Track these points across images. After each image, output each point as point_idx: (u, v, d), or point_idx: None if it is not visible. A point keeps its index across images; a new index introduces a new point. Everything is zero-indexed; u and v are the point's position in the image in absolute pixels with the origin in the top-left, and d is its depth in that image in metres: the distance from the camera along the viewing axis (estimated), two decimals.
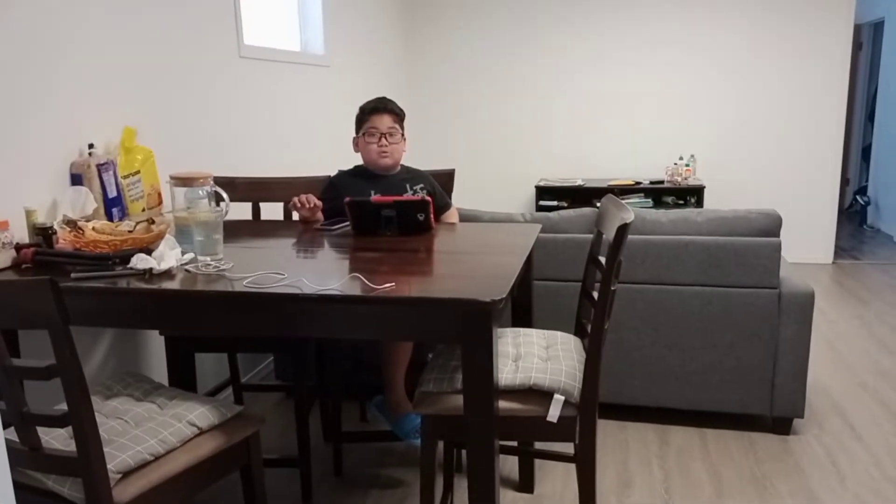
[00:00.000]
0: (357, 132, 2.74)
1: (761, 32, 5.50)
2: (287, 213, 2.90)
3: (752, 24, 5.50)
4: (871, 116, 7.66)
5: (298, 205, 2.56)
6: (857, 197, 7.56)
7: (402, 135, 2.74)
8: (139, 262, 1.85)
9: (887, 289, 4.99)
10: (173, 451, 1.59)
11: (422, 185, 2.77)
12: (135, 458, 1.51)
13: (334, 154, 4.41)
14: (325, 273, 1.82)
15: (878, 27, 7.53)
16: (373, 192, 2.65)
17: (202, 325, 1.79)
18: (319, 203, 2.58)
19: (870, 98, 7.73)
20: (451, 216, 2.84)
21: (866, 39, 7.80)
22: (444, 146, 6.21)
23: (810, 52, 5.45)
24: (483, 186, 6.19)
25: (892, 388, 3.31)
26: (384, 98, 2.75)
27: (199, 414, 1.68)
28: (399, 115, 2.73)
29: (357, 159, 2.80)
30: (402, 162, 2.80)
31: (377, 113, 2.69)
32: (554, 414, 1.76)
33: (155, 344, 2.82)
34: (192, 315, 1.75)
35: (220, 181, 2.89)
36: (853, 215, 7.69)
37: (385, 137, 2.67)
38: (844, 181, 7.67)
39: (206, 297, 1.71)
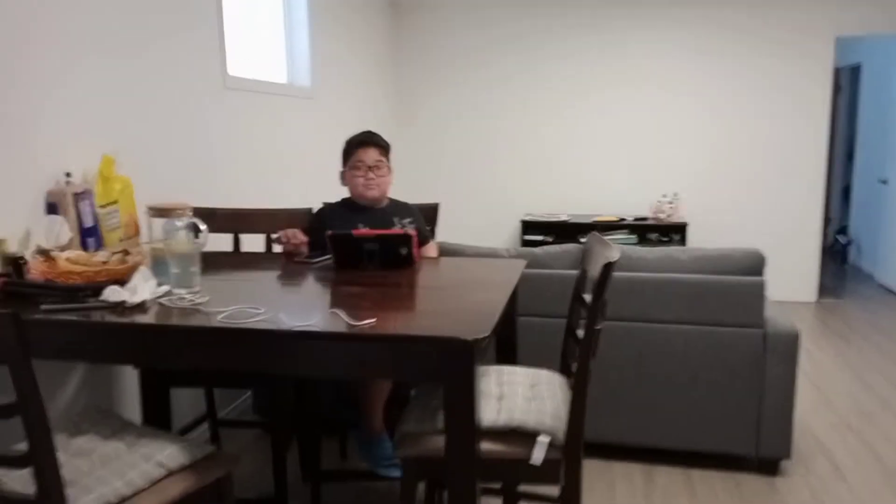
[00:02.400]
0: (344, 165, 2.75)
1: (746, 74, 5.58)
2: (269, 245, 2.85)
3: (737, 67, 5.58)
4: (850, 156, 7.77)
5: (284, 239, 2.53)
6: (838, 236, 7.62)
7: (389, 167, 2.74)
8: (111, 294, 1.80)
9: (869, 327, 5.00)
10: (140, 493, 1.52)
11: (409, 220, 2.76)
12: (99, 500, 1.44)
13: (319, 186, 4.37)
14: (304, 308, 1.77)
15: (854, 71, 7.69)
16: (360, 225, 2.63)
17: (175, 360, 1.73)
18: (305, 239, 2.55)
19: (849, 139, 7.85)
20: (430, 250, 2.81)
21: (845, 83, 7.95)
22: (429, 179, 6.20)
23: (792, 94, 5.53)
24: (468, 220, 6.18)
25: (876, 429, 3.29)
26: (370, 132, 2.78)
27: (168, 454, 1.61)
28: (385, 148, 2.75)
29: (343, 192, 2.79)
30: (388, 195, 2.79)
31: (363, 146, 2.71)
32: (538, 457, 1.70)
33: (129, 378, 2.74)
34: (165, 350, 1.70)
35: (200, 212, 2.83)
36: (835, 254, 7.75)
37: (372, 170, 2.68)
38: (826, 220, 7.74)
39: (179, 332, 1.65)
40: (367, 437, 2.58)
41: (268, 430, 3.17)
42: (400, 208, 2.80)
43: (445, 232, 5.12)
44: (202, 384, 2.64)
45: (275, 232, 2.62)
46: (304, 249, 2.57)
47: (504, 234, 6.19)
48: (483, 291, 1.95)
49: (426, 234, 2.83)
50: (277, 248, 2.66)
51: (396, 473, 2.47)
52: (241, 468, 2.90)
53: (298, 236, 2.53)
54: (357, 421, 2.62)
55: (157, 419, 2.38)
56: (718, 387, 2.76)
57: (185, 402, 3.08)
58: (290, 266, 2.37)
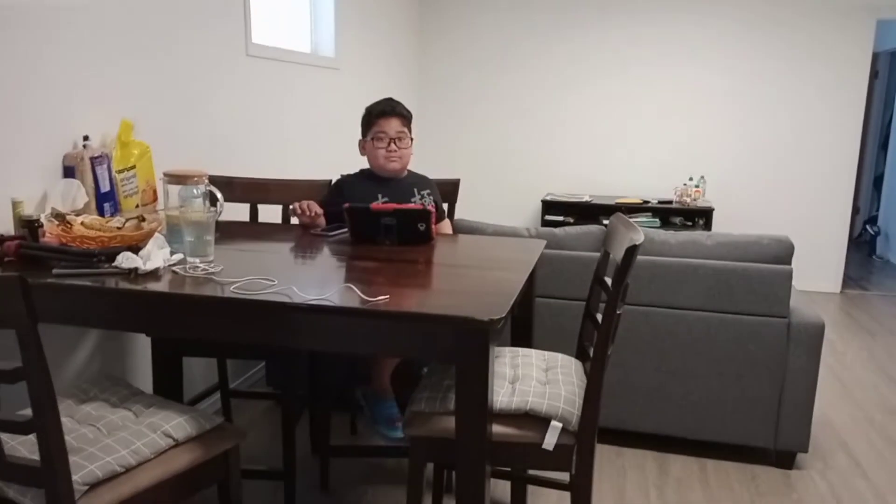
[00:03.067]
0: (364, 135, 2.67)
1: (780, 56, 5.42)
2: (286, 217, 2.82)
3: (771, 48, 5.43)
4: (884, 146, 7.57)
5: (299, 211, 2.49)
6: (867, 226, 7.46)
7: (411, 138, 2.67)
8: (124, 260, 1.78)
9: (895, 321, 4.89)
10: (146, 463, 1.51)
11: (428, 192, 2.71)
12: (104, 469, 1.42)
13: (339, 158, 4.34)
14: (317, 281, 1.73)
15: (894, 56, 7.45)
16: (380, 196, 2.58)
17: (186, 330, 1.70)
18: (320, 211, 2.50)
19: (884, 127, 7.64)
20: (445, 227, 2.76)
21: (883, 68, 7.72)
22: (450, 154, 6.14)
23: (827, 78, 5.37)
24: (488, 198, 6.11)
25: None
26: (392, 100, 2.66)
27: (175, 424, 1.59)
28: (407, 118, 2.66)
29: (363, 162, 2.73)
30: (409, 166, 2.73)
31: (385, 116, 2.61)
32: (550, 441, 1.67)
33: (142, 346, 2.74)
34: (175, 319, 1.68)
35: (217, 181, 2.82)
36: (862, 245, 7.59)
37: (394, 142, 2.60)
38: (855, 210, 7.57)
39: (190, 301, 1.63)
40: (374, 394, 2.56)
41: (279, 403, 3.18)
42: (420, 180, 2.74)
43: (466, 209, 5.07)
44: (215, 354, 2.62)
45: (292, 203, 2.58)
46: (321, 221, 2.53)
47: (525, 214, 6.11)
48: (501, 271, 1.90)
49: (442, 210, 2.78)
50: (294, 220, 2.63)
51: (398, 434, 2.45)
52: (251, 440, 2.90)
53: (313, 208, 2.48)
54: (366, 378, 2.60)
55: (168, 388, 2.37)
56: (738, 377, 2.70)
57: (198, 371, 3.08)
58: (306, 238, 2.34)
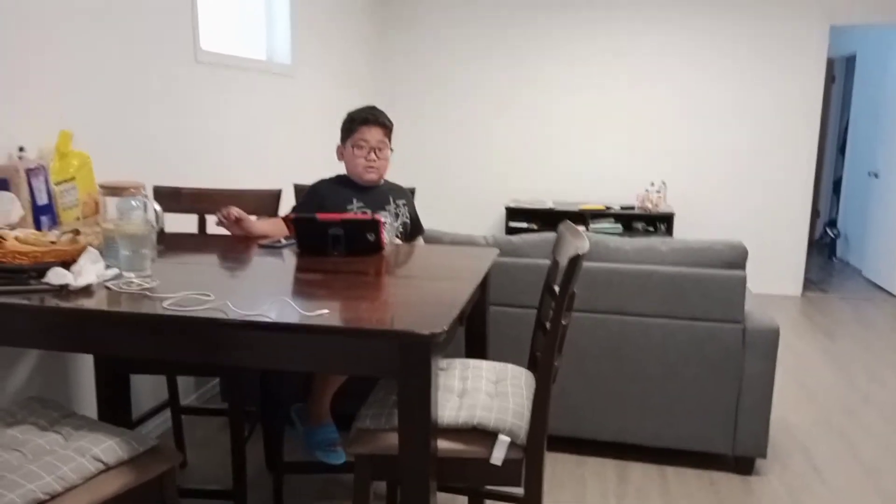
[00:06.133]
0: (343, 140, 2.63)
1: (736, 62, 5.48)
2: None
3: (728, 54, 5.48)
4: (842, 149, 7.70)
5: (222, 219, 2.42)
6: (827, 229, 7.57)
7: (391, 148, 2.65)
8: (55, 276, 1.70)
9: (855, 323, 4.95)
10: (73, 490, 1.43)
11: (404, 202, 2.68)
12: (25, 497, 1.35)
13: (293, 167, 4.27)
14: (257, 295, 1.68)
15: (850, 61, 7.60)
16: (355, 201, 2.57)
17: (120, 348, 1.63)
18: (243, 215, 2.43)
19: (841, 131, 7.78)
20: (418, 241, 2.74)
21: (839, 73, 7.87)
22: (412, 161, 6.10)
23: (784, 84, 5.44)
24: (451, 205, 6.09)
25: (858, 427, 3.23)
26: (375, 108, 2.64)
27: (105, 447, 1.52)
28: (389, 128, 2.64)
29: (320, 170, 2.68)
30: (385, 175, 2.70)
31: (367, 125, 2.58)
32: (498, 456, 1.62)
33: (87, 365, 2.64)
34: (110, 337, 1.60)
35: (164, 191, 2.75)
36: (823, 247, 7.70)
37: (374, 152, 2.58)
38: (815, 213, 7.69)
39: (122, 318, 1.56)
40: (312, 421, 2.47)
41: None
42: (396, 190, 2.72)
43: (429, 217, 5.03)
44: (163, 371, 2.55)
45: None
46: (248, 226, 2.44)
47: (489, 221, 6.10)
48: (449, 280, 1.86)
49: (418, 223, 2.75)
50: (218, 230, 2.53)
51: (339, 459, 2.38)
52: (204, 458, 2.82)
53: (234, 213, 2.41)
54: (302, 398, 2.52)
55: (113, 408, 2.28)
56: (696, 382, 2.69)
57: (148, 388, 2.99)
58: (252, 250, 2.27)
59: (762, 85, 5.47)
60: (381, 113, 2.64)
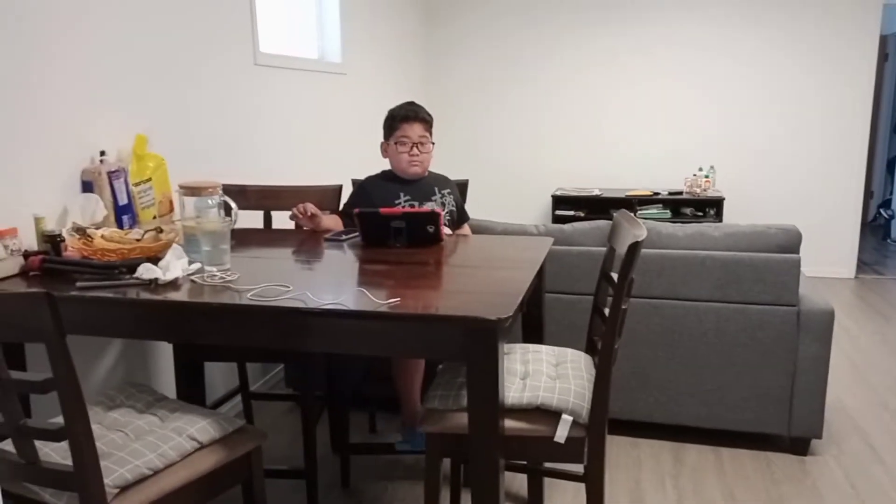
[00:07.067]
0: (386, 138, 2.73)
1: (787, 41, 5.42)
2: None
3: (778, 33, 5.42)
4: (895, 129, 7.52)
5: (298, 215, 2.55)
6: (881, 210, 7.41)
7: (432, 142, 2.74)
8: (145, 271, 1.84)
9: None
10: (172, 466, 1.57)
11: (448, 191, 2.77)
12: (133, 472, 1.49)
13: (349, 162, 4.40)
14: (331, 286, 1.79)
15: None
16: (402, 195, 2.65)
17: (206, 336, 1.76)
18: (318, 212, 2.56)
19: (895, 110, 7.59)
20: (464, 229, 2.82)
21: (892, 50, 7.66)
22: (460, 154, 6.18)
23: (835, 62, 5.36)
24: (499, 196, 6.15)
25: None
26: (414, 104, 2.73)
27: (200, 428, 1.65)
28: (429, 123, 2.73)
29: (377, 164, 2.78)
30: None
31: (408, 121, 2.67)
32: (561, 435, 1.71)
33: (165, 352, 2.81)
34: (195, 326, 1.73)
35: (231, 189, 2.89)
36: (876, 229, 7.55)
37: (416, 147, 2.67)
38: (868, 194, 7.53)
39: (209, 309, 1.69)
40: (409, 424, 2.58)
41: (299, 404, 3.24)
42: (440, 180, 2.81)
43: (477, 208, 5.11)
44: (235, 358, 2.69)
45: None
46: (320, 222, 2.57)
47: (535, 210, 6.15)
48: (509, 270, 1.94)
49: (463, 211, 2.84)
50: (292, 224, 2.68)
51: None
52: (272, 441, 2.97)
53: (309, 208, 2.54)
54: (388, 397, 2.63)
55: (190, 393, 2.44)
56: (750, 365, 2.73)
57: (219, 375, 3.15)
58: (319, 243, 2.40)
59: (813, 64, 5.40)
60: (421, 108, 2.72)
